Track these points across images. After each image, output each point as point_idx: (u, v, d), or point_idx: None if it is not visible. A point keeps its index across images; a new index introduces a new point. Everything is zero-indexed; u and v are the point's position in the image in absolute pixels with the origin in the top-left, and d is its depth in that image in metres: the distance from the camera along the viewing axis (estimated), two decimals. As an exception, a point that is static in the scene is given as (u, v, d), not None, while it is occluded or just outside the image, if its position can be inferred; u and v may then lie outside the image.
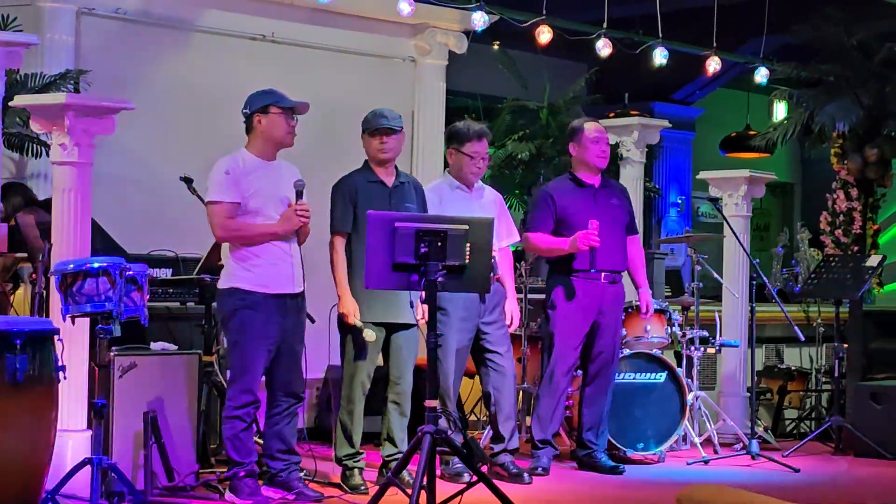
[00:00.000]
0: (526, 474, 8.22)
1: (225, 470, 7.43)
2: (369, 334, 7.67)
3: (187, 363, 7.68)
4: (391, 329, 7.86)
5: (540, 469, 8.50)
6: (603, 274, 8.59)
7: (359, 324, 7.67)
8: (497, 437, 8.35)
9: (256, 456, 7.34)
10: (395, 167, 8.01)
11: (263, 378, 7.35)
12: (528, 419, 10.03)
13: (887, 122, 13.27)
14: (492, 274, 8.07)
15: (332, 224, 7.81)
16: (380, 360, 7.96)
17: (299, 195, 7.24)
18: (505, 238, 8.37)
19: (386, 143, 7.86)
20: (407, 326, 7.86)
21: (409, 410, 7.96)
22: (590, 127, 8.82)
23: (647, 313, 8.94)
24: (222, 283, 7.30)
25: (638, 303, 9.12)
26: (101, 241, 7.96)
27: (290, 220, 7.22)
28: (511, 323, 8.37)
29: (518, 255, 10.58)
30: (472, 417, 10.10)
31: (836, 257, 11.47)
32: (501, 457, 8.28)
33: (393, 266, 6.54)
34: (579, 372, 8.93)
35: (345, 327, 7.76)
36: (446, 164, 8.57)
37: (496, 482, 6.74)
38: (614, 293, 8.68)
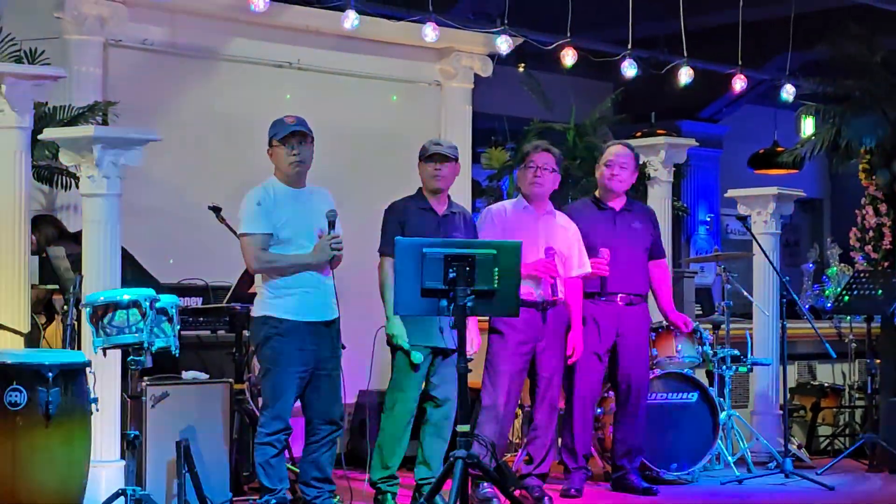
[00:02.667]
0: (546, 498, 8.20)
1: (257, 497, 7.44)
2: (416, 356, 7.68)
3: (219, 392, 7.72)
4: (435, 353, 7.87)
5: (573, 491, 8.49)
6: (619, 296, 8.59)
7: (406, 346, 7.68)
8: (529, 459, 8.34)
9: (288, 483, 7.35)
10: (448, 197, 8.03)
11: (298, 403, 7.36)
12: (559, 440, 10.03)
13: (915, 136, 13.21)
14: (554, 296, 8.11)
15: (382, 246, 7.84)
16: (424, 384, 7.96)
17: (332, 225, 7.27)
18: (576, 268, 8.36)
19: (440, 169, 7.89)
20: (451, 352, 7.85)
21: (448, 435, 7.95)
22: (608, 150, 8.86)
23: (686, 329, 8.94)
24: (255, 311, 7.34)
25: (667, 323, 9.11)
26: (133, 271, 7.99)
27: (323, 251, 7.25)
28: (573, 354, 8.35)
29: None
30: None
31: (867, 273, 11.41)
32: (529, 479, 8.27)
33: (422, 291, 6.55)
34: (610, 394, 8.91)
35: (393, 349, 7.78)
36: (476, 189, 8.58)
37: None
38: (634, 315, 8.65)
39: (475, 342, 8.06)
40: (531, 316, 8.05)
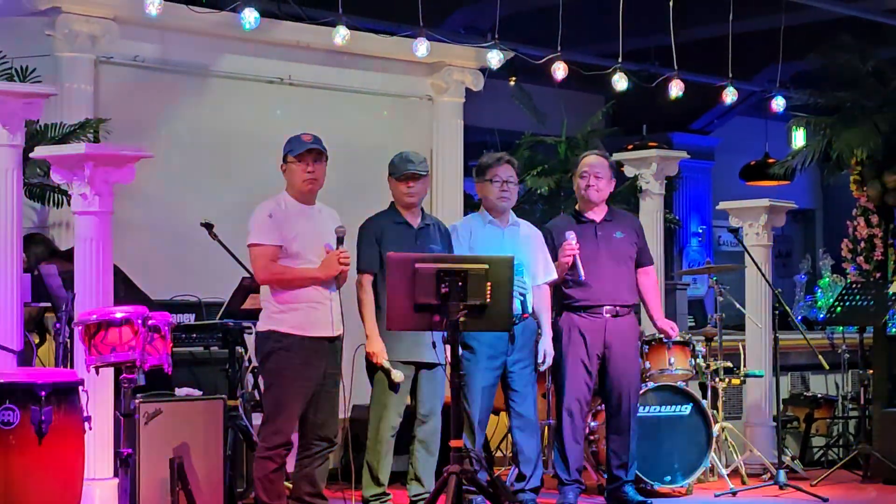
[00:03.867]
0: None
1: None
2: (397, 375, 7.69)
3: (212, 408, 7.70)
4: (418, 367, 7.87)
5: (567, 505, 8.50)
6: (605, 308, 8.57)
7: (386, 364, 7.69)
8: (520, 476, 8.34)
9: (285, 500, 7.35)
10: (421, 209, 8.05)
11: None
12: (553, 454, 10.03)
13: (905, 148, 13.25)
14: (522, 312, 8.12)
15: (359, 264, 7.84)
16: (408, 399, 7.97)
17: (340, 241, 7.30)
18: (542, 276, 8.37)
19: (412, 187, 7.92)
20: (434, 365, 7.86)
21: (437, 450, 7.96)
22: (582, 160, 8.84)
23: (674, 333, 8.92)
24: (261, 326, 7.38)
25: (660, 335, 9.12)
26: (125, 289, 7.99)
27: (331, 266, 7.27)
28: (543, 361, 8.37)
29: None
30: (499, 454, 10.08)
31: (859, 284, 11.44)
32: (522, 495, 8.26)
33: (415, 307, 6.57)
34: (603, 406, 8.91)
35: (372, 367, 7.78)
36: (468, 203, 8.59)
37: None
38: (620, 326, 8.62)
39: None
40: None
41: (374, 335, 7.72)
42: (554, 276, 8.49)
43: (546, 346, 8.37)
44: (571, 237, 8.44)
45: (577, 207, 8.84)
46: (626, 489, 8.66)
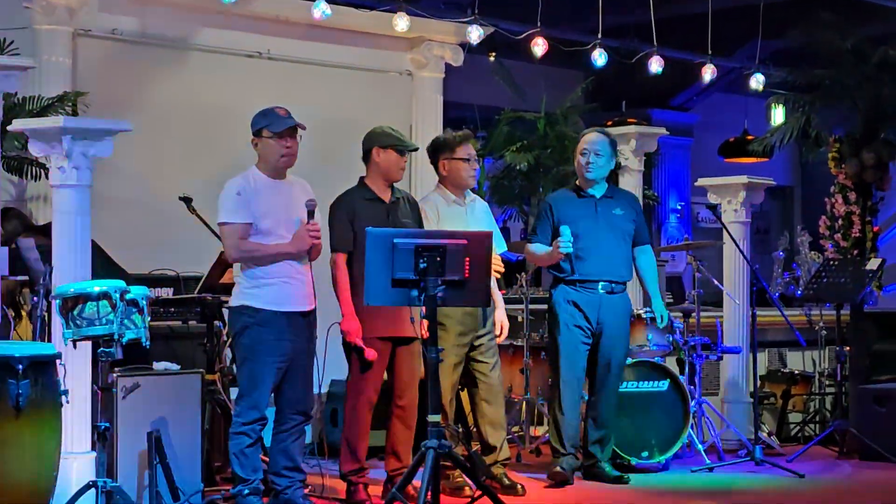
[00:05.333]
0: (519, 486, 8.22)
1: (230, 488, 7.44)
2: (370, 353, 7.69)
3: (190, 382, 7.71)
4: (395, 343, 7.87)
5: (559, 469, 8.49)
6: (600, 284, 8.59)
7: (359, 343, 7.69)
8: (487, 448, 8.33)
9: (262, 473, 7.35)
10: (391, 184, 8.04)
11: (271, 395, 7.38)
12: (532, 429, 10.05)
13: (884, 125, 13.27)
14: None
15: (333, 242, 7.83)
16: (385, 375, 7.98)
17: (311, 215, 7.28)
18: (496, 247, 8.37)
19: (404, 161, 7.91)
20: (409, 340, 7.87)
21: (414, 424, 7.97)
22: (582, 138, 8.87)
23: (663, 323, 8.93)
24: (233, 301, 7.36)
25: (639, 311, 9.14)
26: (102, 263, 7.98)
27: (301, 240, 7.26)
28: (501, 333, 8.38)
29: (520, 266, 10.61)
30: (475, 429, 10.10)
31: (836, 261, 11.47)
32: (495, 467, 8.27)
33: (392, 282, 6.57)
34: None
35: (348, 345, 7.78)
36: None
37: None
38: (614, 303, 8.65)
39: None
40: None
41: (350, 313, 7.71)
42: (504, 248, 8.54)
43: (501, 317, 8.38)
44: (564, 244, 8.41)
45: (577, 183, 8.85)
46: (603, 465, 8.68)
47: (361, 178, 7.99)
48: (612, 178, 11.19)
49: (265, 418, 7.28)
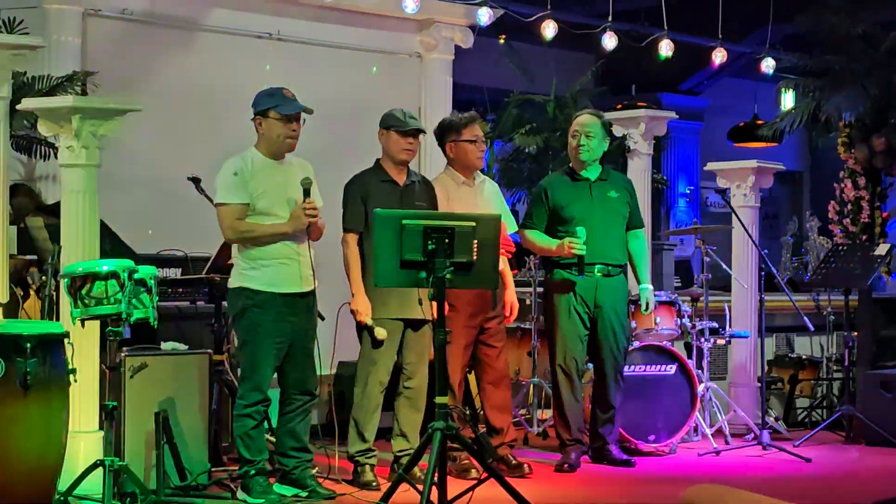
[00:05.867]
0: (526, 465, 8.23)
1: (237, 468, 7.45)
2: (380, 332, 7.70)
3: (198, 363, 7.71)
4: (405, 325, 7.88)
5: (566, 465, 8.47)
6: (597, 267, 8.56)
7: (369, 322, 7.69)
8: (493, 431, 8.34)
9: (268, 454, 7.36)
10: (407, 166, 8.03)
11: (275, 376, 7.38)
12: (539, 412, 10.06)
13: (894, 111, 13.24)
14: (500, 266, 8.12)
15: (345, 222, 7.83)
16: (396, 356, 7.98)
17: (306, 193, 7.25)
18: (507, 228, 8.36)
19: (412, 144, 7.90)
20: (420, 322, 7.87)
21: (423, 406, 7.98)
22: (574, 120, 8.82)
23: (647, 310, 8.90)
24: (232, 283, 7.34)
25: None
26: (111, 243, 7.99)
27: (298, 219, 7.23)
28: (511, 314, 8.38)
29: (528, 249, 10.60)
30: (481, 412, 10.11)
31: (845, 246, 11.45)
32: (501, 449, 8.27)
33: (401, 263, 6.56)
34: (590, 366, 8.91)
35: (359, 325, 7.79)
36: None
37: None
38: (611, 286, 8.62)
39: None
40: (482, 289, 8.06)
41: (360, 293, 7.72)
42: (515, 228, 8.53)
43: (511, 298, 8.38)
44: (579, 247, 8.38)
45: (571, 166, 8.82)
46: (611, 448, 8.68)
47: (377, 160, 7.99)
48: (622, 162, 11.21)
49: (268, 399, 7.28)
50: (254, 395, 7.22)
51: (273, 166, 7.30)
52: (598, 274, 8.56)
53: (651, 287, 8.91)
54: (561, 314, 8.57)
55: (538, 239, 8.61)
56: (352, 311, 7.76)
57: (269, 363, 7.24)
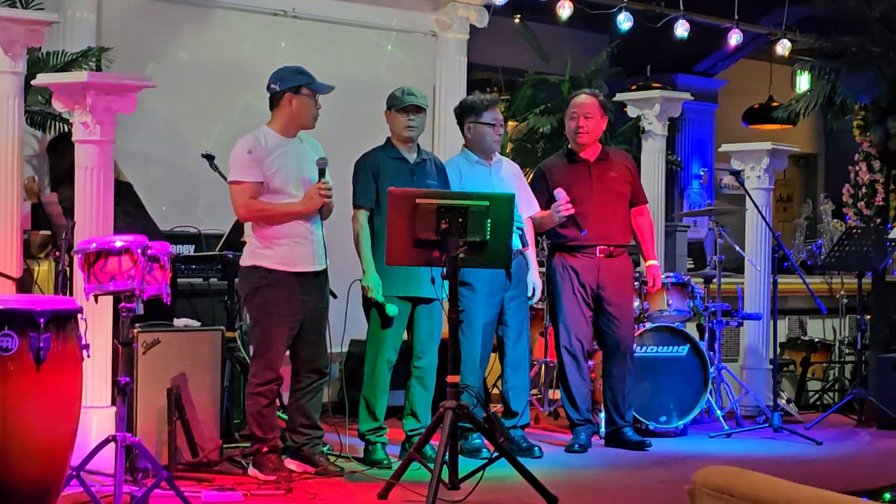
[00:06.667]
0: (536, 448, 8.25)
1: (248, 445, 7.47)
2: (391, 309, 7.71)
3: (210, 339, 7.72)
4: (415, 303, 7.88)
5: (577, 446, 8.49)
6: (598, 248, 8.55)
7: (380, 299, 7.70)
8: (508, 412, 8.35)
9: (279, 431, 7.38)
10: (417, 144, 8.03)
11: (287, 353, 7.39)
12: (551, 392, 10.07)
13: (910, 94, 13.23)
14: (521, 247, 8.13)
15: (355, 199, 7.84)
16: (405, 335, 7.99)
17: (322, 173, 7.26)
18: (525, 209, 8.35)
19: (413, 120, 7.90)
20: (430, 301, 7.88)
21: (432, 385, 7.99)
22: (571, 101, 8.77)
23: (654, 287, 8.89)
24: (244, 261, 7.34)
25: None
26: (135, 211, 8.04)
27: (312, 199, 7.23)
28: (533, 295, 8.39)
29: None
30: (495, 391, 10.13)
31: (859, 229, 11.44)
32: (512, 432, 8.28)
33: (414, 242, 6.57)
34: (597, 347, 8.90)
35: (368, 302, 7.80)
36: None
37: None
38: (614, 267, 8.60)
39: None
40: None
41: (370, 270, 7.73)
42: (536, 208, 8.51)
43: (535, 279, 8.39)
44: (560, 195, 8.36)
45: (569, 147, 8.80)
46: (626, 430, 8.67)
47: (388, 138, 8.00)
48: (636, 143, 11.19)
49: (280, 378, 7.29)
50: (266, 373, 7.23)
51: (286, 144, 7.30)
52: (600, 255, 8.55)
53: (657, 262, 8.91)
54: (564, 296, 8.57)
55: (537, 215, 8.56)
56: (362, 288, 7.77)
57: (281, 342, 7.25)
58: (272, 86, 7.34)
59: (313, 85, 7.32)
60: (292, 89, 7.29)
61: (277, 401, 7.46)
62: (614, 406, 8.68)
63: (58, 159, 8.30)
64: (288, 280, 7.22)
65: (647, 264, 8.85)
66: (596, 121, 8.64)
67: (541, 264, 9.87)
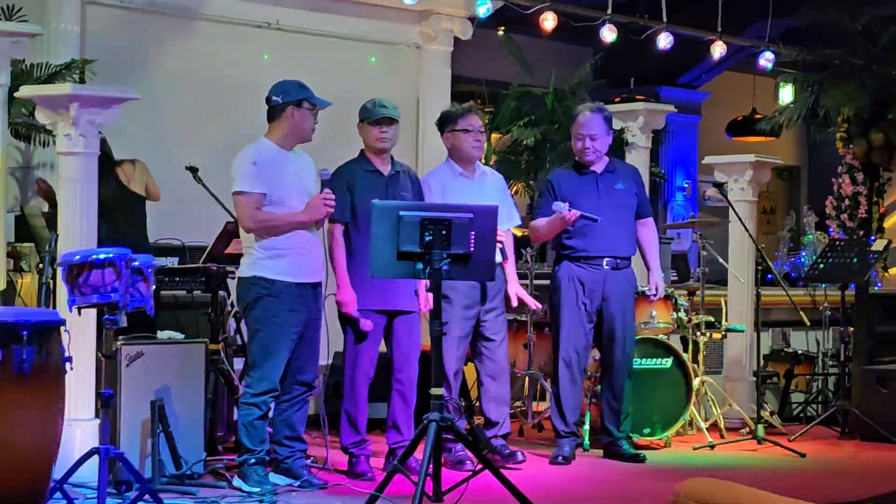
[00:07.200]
0: (519, 452, 8.25)
1: (232, 458, 7.46)
2: (366, 324, 7.71)
3: (194, 352, 7.71)
4: (392, 316, 7.88)
5: (560, 458, 8.48)
6: (605, 260, 8.56)
7: (355, 314, 7.70)
8: (489, 424, 8.35)
9: (268, 445, 7.36)
10: (391, 156, 8.03)
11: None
12: (535, 405, 10.07)
13: (892, 106, 13.26)
14: (501, 260, 8.13)
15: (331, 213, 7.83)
16: (382, 347, 7.99)
17: (325, 184, 7.28)
18: (506, 221, 8.34)
19: (386, 132, 7.90)
20: (407, 313, 7.88)
21: (413, 398, 7.99)
22: (576, 119, 8.72)
23: (656, 296, 8.90)
24: (244, 272, 7.33)
25: (643, 287, 9.11)
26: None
27: (317, 209, 7.26)
28: (515, 306, 8.39)
29: (525, 241, 10.60)
30: (478, 404, 10.12)
31: (842, 241, 11.46)
32: (494, 441, 8.28)
33: (398, 255, 6.57)
34: (597, 356, 8.88)
35: (343, 316, 7.79)
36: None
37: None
38: (619, 279, 8.62)
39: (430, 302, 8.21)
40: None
41: (345, 284, 7.73)
42: (517, 221, 8.54)
43: (516, 290, 8.39)
44: (557, 207, 8.36)
45: (577, 159, 8.79)
46: (622, 443, 8.66)
47: (362, 150, 8.01)
48: (620, 155, 11.20)
49: (276, 389, 7.28)
50: (262, 384, 7.22)
51: (285, 156, 7.33)
52: (607, 266, 8.55)
53: (662, 274, 8.92)
54: (566, 307, 8.57)
55: (545, 222, 8.57)
56: (337, 303, 7.76)
57: (281, 353, 7.24)
58: (274, 98, 7.36)
59: (314, 100, 7.35)
60: (294, 102, 7.32)
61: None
62: (612, 418, 8.67)
63: None
64: (289, 291, 7.23)
65: (650, 274, 8.85)
66: (602, 139, 8.64)
67: (523, 276, 9.90)
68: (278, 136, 7.35)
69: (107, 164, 8.39)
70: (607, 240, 8.54)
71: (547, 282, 9.12)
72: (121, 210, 8.39)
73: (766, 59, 13.23)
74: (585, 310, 8.56)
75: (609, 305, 8.59)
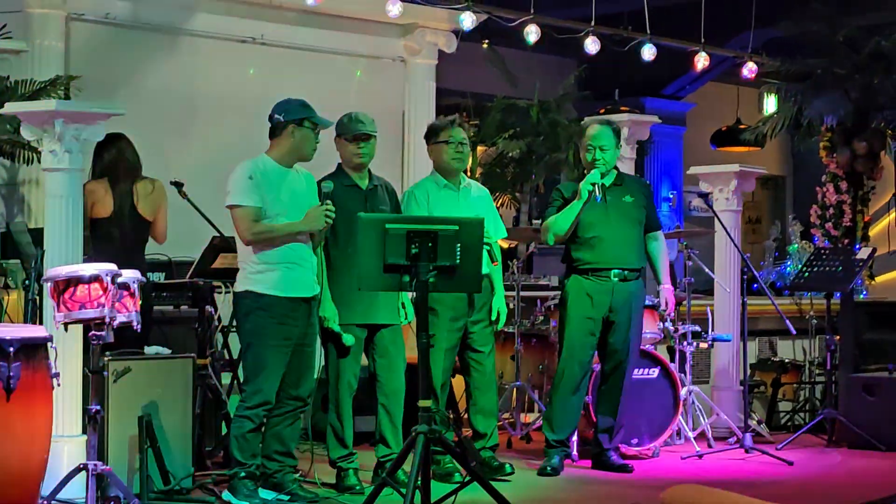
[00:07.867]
0: (508, 464, 8.26)
1: (220, 473, 7.45)
2: (347, 339, 7.71)
3: (181, 367, 7.71)
4: (374, 329, 7.89)
5: (549, 469, 8.48)
6: (613, 272, 8.55)
7: (336, 329, 7.70)
8: (477, 436, 8.36)
9: (259, 459, 7.35)
10: (369, 170, 8.04)
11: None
12: (523, 416, 10.07)
13: (875, 115, 13.30)
14: (491, 262, 8.13)
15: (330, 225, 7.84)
16: (365, 361, 7.99)
17: (327, 196, 7.29)
18: (492, 234, 8.35)
19: (363, 147, 7.91)
20: (389, 326, 7.89)
21: (399, 410, 7.98)
22: (586, 132, 8.72)
23: (667, 310, 8.91)
24: (237, 287, 7.35)
25: (653, 301, 9.09)
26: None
27: (317, 219, 7.26)
28: (497, 319, 8.39)
29: (511, 253, 10.61)
30: (466, 415, 10.12)
31: (827, 250, 11.49)
32: (482, 453, 8.27)
33: (384, 267, 6.58)
34: (596, 367, 8.87)
35: (325, 331, 7.79)
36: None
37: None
38: (627, 291, 8.59)
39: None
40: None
41: (327, 299, 7.72)
42: (503, 234, 8.54)
43: (500, 304, 8.40)
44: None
45: (586, 172, 8.77)
46: (610, 454, 8.66)
47: (339, 165, 8.02)
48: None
49: (270, 403, 7.26)
50: (255, 397, 7.22)
51: (284, 174, 7.33)
52: (615, 279, 8.54)
53: (671, 287, 8.91)
54: (572, 321, 8.54)
55: (560, 215, 8.55)
56: (319, 318, 7.75)
57: (274, 367, 7.22)
58: (276, 116, 7.37)
59: (315, 119, 7.37)
60: (296, 121, 7.33)
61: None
62: (605, 430, 8.67)
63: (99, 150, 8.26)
64: (279, 305, 7.22)
65: (661, 288, 8.85)
66: (611, 152, 8.65)
67: (509, 288, 9.90)
68: (278, 153, 7.36)
69: (129, 174, 8.40)
70: (615, 252, 8.52)
71: (534, 293, 9.14)
72: (121, 227, 8.34)
73: (750, 70, 13.27)
74: (591, 323, 8.54)
75: (616, 318, 8.55)
